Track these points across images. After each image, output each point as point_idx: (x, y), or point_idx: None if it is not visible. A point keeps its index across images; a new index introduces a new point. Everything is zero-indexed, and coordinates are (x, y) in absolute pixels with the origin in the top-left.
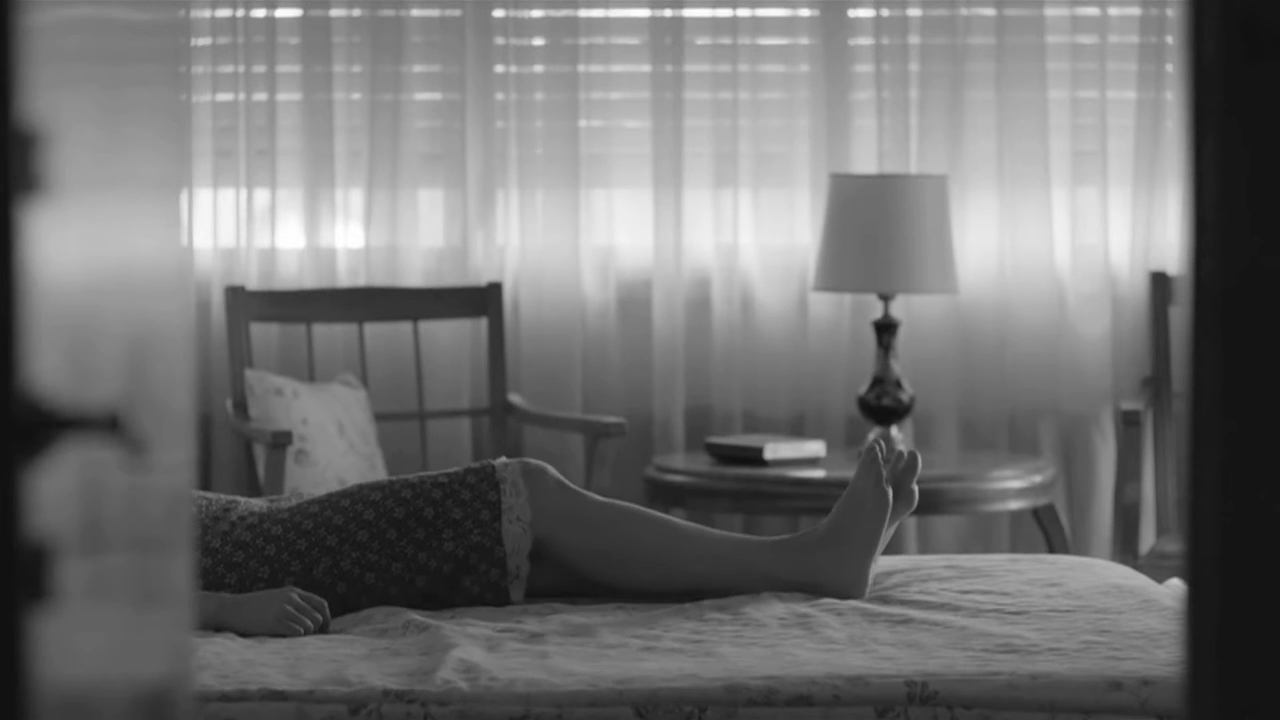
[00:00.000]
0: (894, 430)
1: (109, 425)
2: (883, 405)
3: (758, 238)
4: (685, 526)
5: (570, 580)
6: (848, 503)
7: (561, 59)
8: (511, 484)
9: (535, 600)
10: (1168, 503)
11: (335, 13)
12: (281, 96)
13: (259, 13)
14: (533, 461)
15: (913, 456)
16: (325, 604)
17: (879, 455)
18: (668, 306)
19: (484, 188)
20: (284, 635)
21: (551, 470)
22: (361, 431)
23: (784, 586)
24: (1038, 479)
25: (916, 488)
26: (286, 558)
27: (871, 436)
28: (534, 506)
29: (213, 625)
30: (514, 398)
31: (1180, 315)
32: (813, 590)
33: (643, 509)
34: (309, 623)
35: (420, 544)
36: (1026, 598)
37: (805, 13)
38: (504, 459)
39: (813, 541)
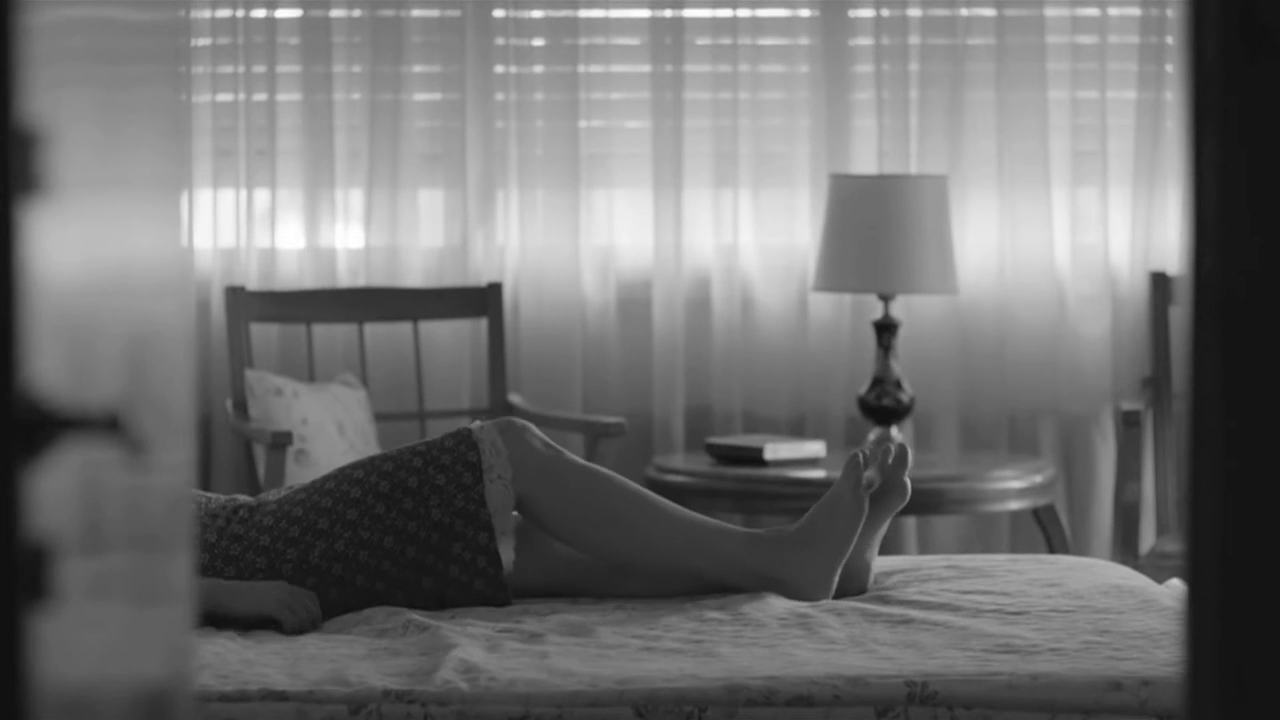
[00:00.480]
0: (894, 431)
1: (109, 425)
2: (883, 405)
3: (758, 238)
4: (661, 502)
5: (554, 574)
6: (823, 506)
7: (561, 59)
8: (490, 443)
9: (535, 600)
10: (1168, 503)
11: (335, 13)
12: (281, 96)
13: (259, 13)
14: (515, 420)
15: (901, 449)
16: (315, 596)
17: (860, 463)
18: (668, 306)
19: (484, 188)
20: (282, 624)
21: (532, 428)
22: (361, 432)
23: (751, 578)
24: (1038, 479)
25: (909, 480)
26: (281, 546)
27: (872, 437)
28: (514, 463)
29: (210, 607)
30: (514, 398)
31: (1180, 315)
32: (778, 587)
33: (622, 478)
34: (303, 613)
35: (409, 514)
36: (1026, 598)
37: (805, 13)
38: (478, 422)
39: (784, 539)
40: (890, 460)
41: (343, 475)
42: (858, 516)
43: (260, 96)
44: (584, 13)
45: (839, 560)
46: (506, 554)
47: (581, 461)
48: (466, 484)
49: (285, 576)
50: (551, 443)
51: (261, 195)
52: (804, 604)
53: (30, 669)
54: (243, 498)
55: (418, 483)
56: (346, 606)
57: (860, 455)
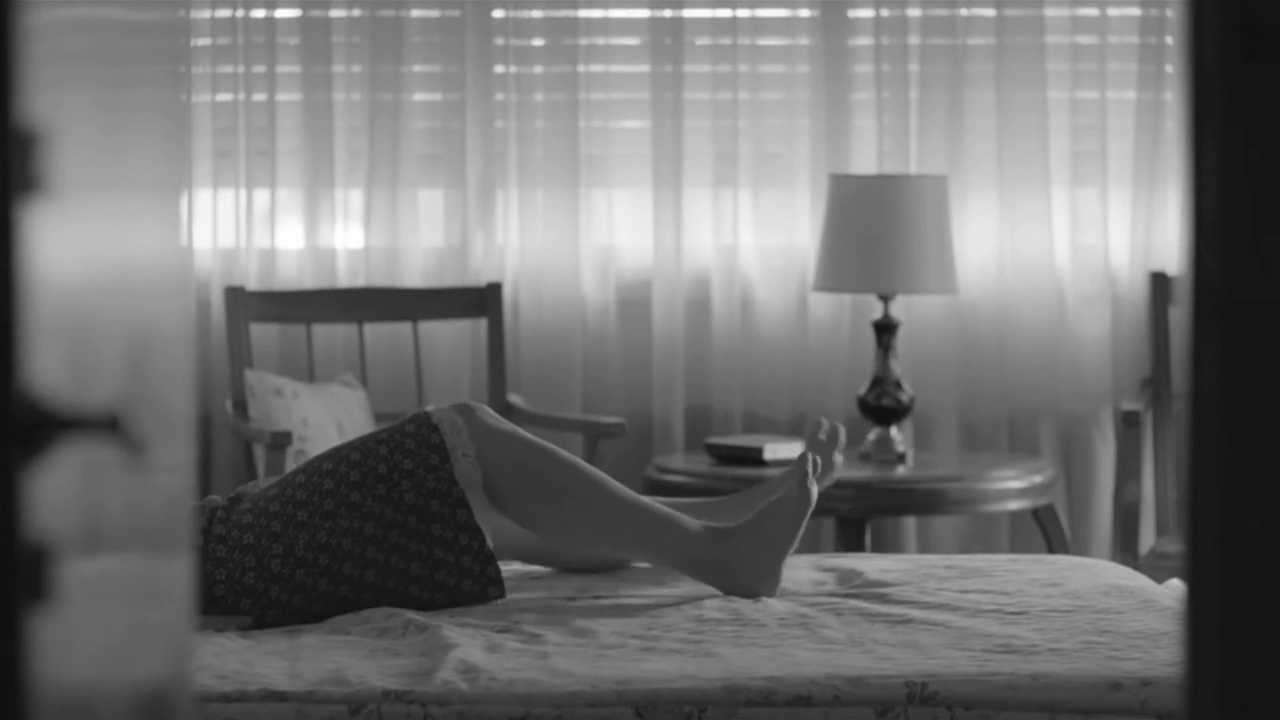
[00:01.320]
0: (893, 431)
1: (109, 425)
2: (882, 405)
3: (758, 238)
4: (615, 486)
5: (510, 538)
6: (771, 501)
7: (561, 59)
8: (449, 423)
9: (532, 598)
10: (1168, 503)
11: (335, 13)
12: (281, 96)
13: (259, 13)
14: (470, 402)
15: (833, 428)
16: None
17: (810, 460)
18: (668, 306)
19: (484, 188)
20: None
21: (488, 409)
22: (361, 432)
23: (699, 568)
24: (1038, 479)
25: (840, 457)
26: (266, 543)
27: (872, 437)
28: (475, 439)
29: None
30: (514, 398)
31: (1180, 315)
32: (724, 579)
33: (579, 461)
34: None
35: (384, 499)
36: (1026, 598)
37: (805, 13)
38: (432, 406)
39: (731, 532)
40: (823, 438)
41: (312, 468)
42: (803, 511)
43: (260, 96)
44: (584, 13)
45: (784, 553)
46: (487, 529)
47: (540, 441)
48: (434, 464)
49: (274, 571)
50: (507, 422)
51: (261, 195)
52: (804, 604)
53: (30, 669)
54: (217, 498)
55: (387, 469)
56: (338, 597)
57: (810, 456)
